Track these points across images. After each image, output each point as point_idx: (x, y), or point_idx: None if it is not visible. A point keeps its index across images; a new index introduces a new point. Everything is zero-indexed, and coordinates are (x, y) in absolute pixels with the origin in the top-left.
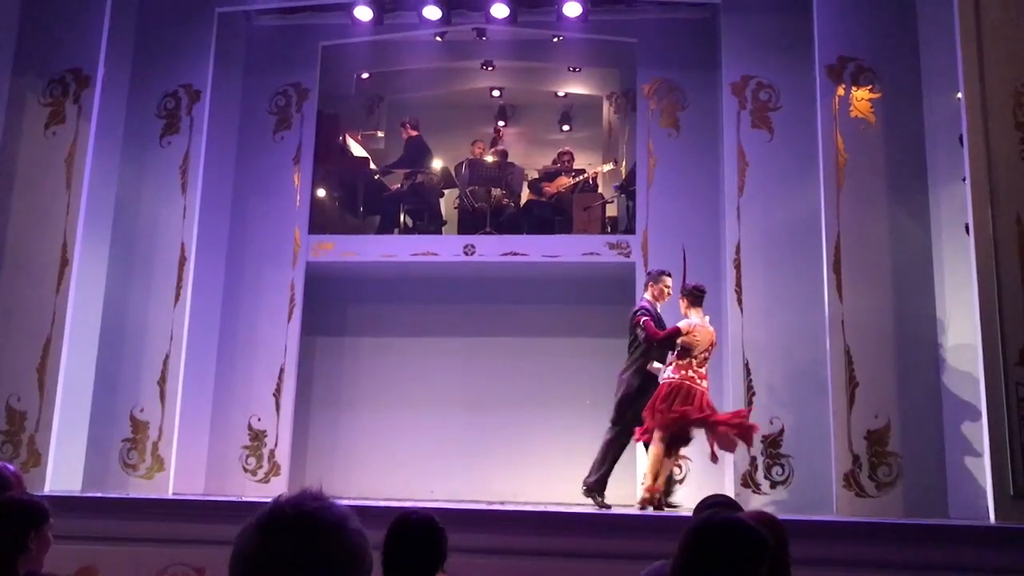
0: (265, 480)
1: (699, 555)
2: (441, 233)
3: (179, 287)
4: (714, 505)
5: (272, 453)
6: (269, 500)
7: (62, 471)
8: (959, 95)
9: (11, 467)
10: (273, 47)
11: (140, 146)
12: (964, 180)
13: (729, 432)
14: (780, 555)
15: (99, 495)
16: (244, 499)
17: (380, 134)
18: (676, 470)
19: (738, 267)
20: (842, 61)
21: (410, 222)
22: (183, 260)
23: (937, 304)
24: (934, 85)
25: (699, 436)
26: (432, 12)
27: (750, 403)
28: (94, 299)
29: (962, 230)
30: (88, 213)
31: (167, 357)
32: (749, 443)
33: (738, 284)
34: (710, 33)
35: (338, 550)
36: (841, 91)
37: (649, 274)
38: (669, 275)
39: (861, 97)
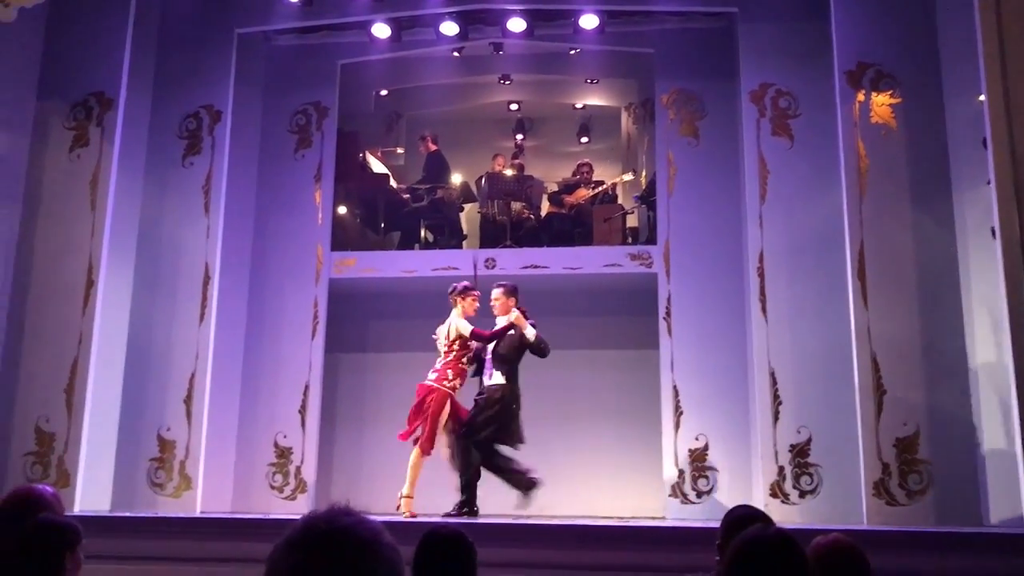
0: (292, 497)
1: (753, 569)
2: (462, 247)
3: (204, 306)
4: (743, 517)
5: (298, 470)
6: (298, 517)
7: (91, 491)
8: (982, 98)
9: (49, 488)
10: (292, 66)
11: (163, 167)
12: (989, 183)
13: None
14: None
15: (128, 515)
16: (272, 516)
17: (400, 150)
18: (704, 480)
19: (762, 275)
20: (861, 67)
21: (430, 237)
22: (207, 279)
23: (965, 308)
24: (956, 88)
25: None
26: (449, 28)
27: (777, 413)
28: (120, 320)
29: (988, 234)
30: (112, 234)
31: (193, 376)
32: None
33: (762, 293)
34: (727, 42)
35: (374, 566)
36: (861, 97)
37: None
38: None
39: (882, 102)
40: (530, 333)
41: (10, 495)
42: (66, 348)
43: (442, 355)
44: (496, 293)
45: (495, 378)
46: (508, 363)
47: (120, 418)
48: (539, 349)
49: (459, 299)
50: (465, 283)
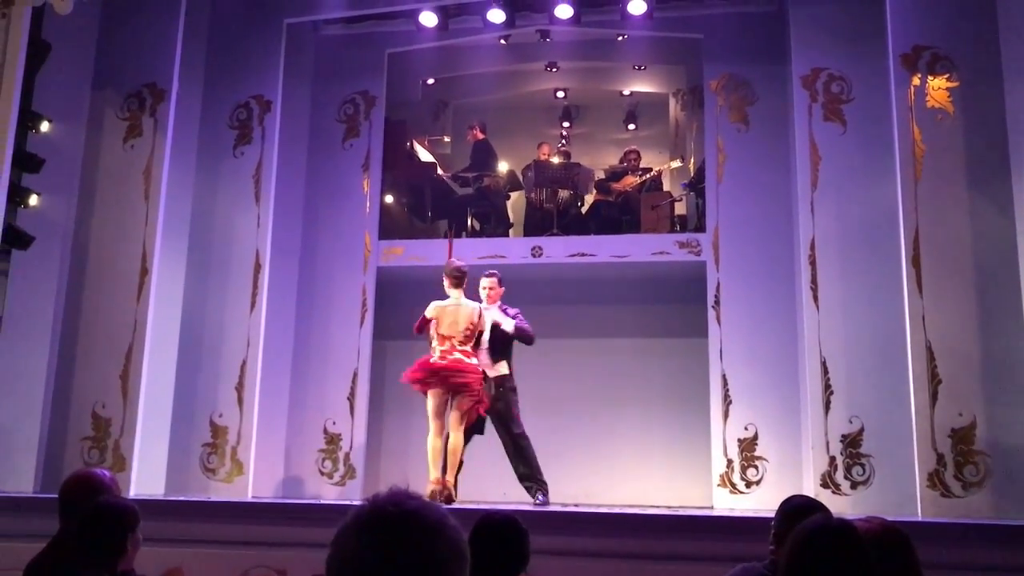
0: (341, 483)
1: (815, 559)
2: (508, 236)
3: (255, 294)
4: (801, 507)
5: (347, 456)
6: (347, 503)
7: (145, 475)
8: None
9: (107, 472)
10: (340, 56)
11: (214, 157)
12: None
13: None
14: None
15: (183, 498)
16: (323, 502)
17: (446, 139)
18: (753, 470)
19: (813, 263)
20: (917, 50)
21: (477, 225)
22: (258, 267)
23: (1023, 297)
24: (1016, 71)
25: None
26: (496, 15)
27: (828, 402)
28: (173, 307)
29: None
30: (166, 223)
31: (244, 363)
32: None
33: (814, 281)
34: (778, 25)
35: (443, 548)
36: (916, 81)
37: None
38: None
39: (938, 86)
40: (508, 325)
41: (69, 479)
42: (121, 335)
43: (463, 339)
44: (492, 282)
45: (502, 367)
46: (507, 351)
47: (173, 404)
48: (524, 339)
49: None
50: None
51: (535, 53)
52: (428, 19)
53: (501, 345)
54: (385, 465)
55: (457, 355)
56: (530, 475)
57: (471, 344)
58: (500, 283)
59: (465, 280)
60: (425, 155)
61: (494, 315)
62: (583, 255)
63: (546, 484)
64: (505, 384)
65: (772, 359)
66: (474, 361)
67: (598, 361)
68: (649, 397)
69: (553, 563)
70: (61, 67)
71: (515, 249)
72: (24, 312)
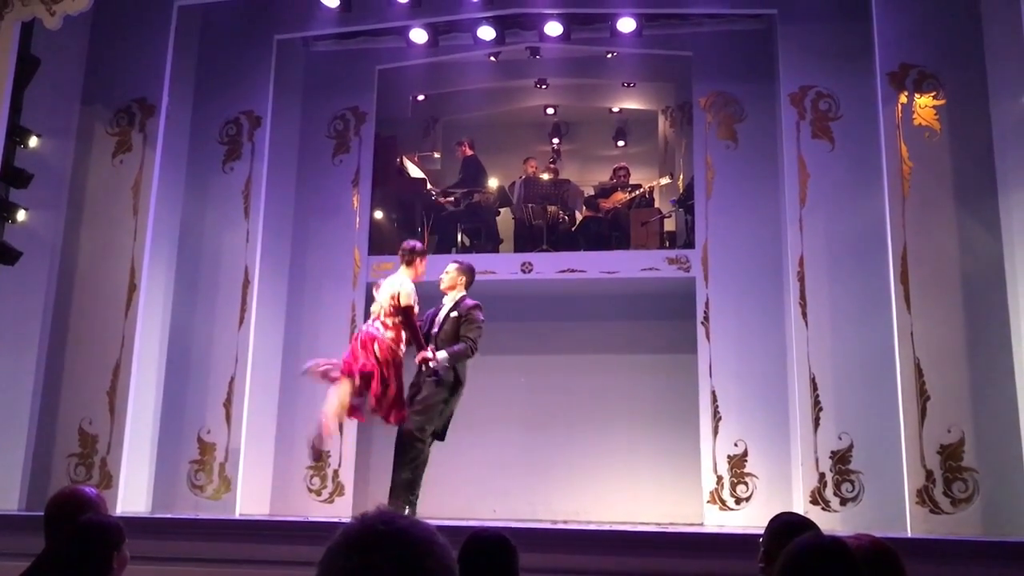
0: (330, 500)
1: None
2: (498, 251)
3: (243, 310)
4: (791, 524)
5: (336, 473)
6: (336, 520)
7: (132, 492)
8: None
9: (93, 490)
10: (331, 72)
11: (203, 172)
12: None
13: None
14: None
15: (169, 516)
16: (311, 519)
17: (436, 155)
18: (743, 487)
19: (802, 280)
20: (904, 68)
21: (467, 241)
22: (247, 283)
23: (1011, 313)
24: (1001, 89)
25: None
26: (486, 32)
27: (817, 419)
28: (161, 323)
29: None
30: (154, 239)
31: (232, 379)
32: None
33: (802, 297)
34: (766, 44)
35: (433, 566)
36: (904, 98)
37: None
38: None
39: (925, 104)
40: (441, 356)
41: (55, 496)
42: (109, 351)
43: (381, 312)
44: (450, 268)
45: (440, 354)
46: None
47: (161, 420)
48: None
49: (419, 260)
50: (422, 245)
51: (525, 70)
52: (418, 36)
53: (447, 342)
54: (374, 482)
55: (377, 324)
56: (400, 486)
57: (394, 318)
58: (462, 272)
59: (413, 257)
60: (415, 171)
61: (405, 285)
62: (572, 271)
63: (415, 506)
64: (426, 371)
65: (761, 375)
66: (382, 332)
67: (587, 377)
68: (639, 413)
69: None
70: (50, 82)
71: (505, 265)
72: (11, 328)
